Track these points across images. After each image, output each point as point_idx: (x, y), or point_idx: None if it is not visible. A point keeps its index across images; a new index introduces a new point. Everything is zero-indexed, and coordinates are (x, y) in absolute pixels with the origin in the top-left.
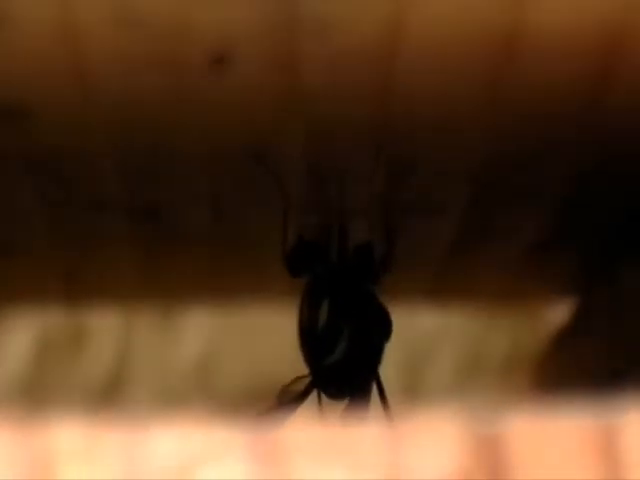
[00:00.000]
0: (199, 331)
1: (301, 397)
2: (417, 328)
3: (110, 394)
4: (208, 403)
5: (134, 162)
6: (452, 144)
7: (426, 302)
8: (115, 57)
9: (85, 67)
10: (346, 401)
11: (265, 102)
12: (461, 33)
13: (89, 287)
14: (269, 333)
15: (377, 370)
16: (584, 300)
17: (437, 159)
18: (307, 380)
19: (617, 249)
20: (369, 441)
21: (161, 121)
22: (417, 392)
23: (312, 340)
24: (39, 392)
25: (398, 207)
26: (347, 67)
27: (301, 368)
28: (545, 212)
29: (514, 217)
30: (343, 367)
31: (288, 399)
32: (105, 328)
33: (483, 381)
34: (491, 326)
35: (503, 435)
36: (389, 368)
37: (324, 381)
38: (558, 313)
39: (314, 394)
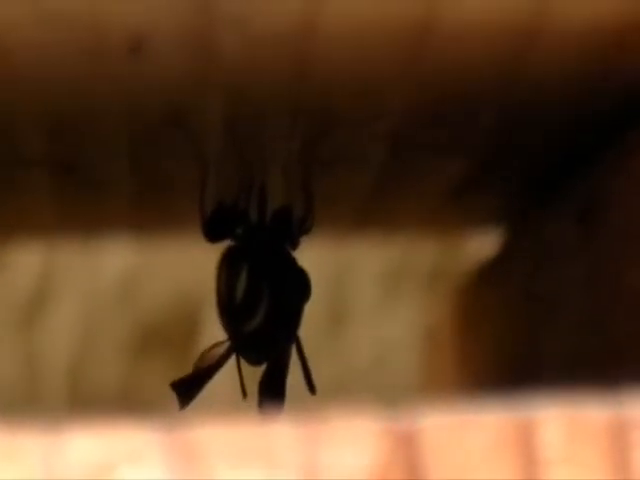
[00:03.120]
0: (121, 261)
1: (220, 362)
2: (340, 259)
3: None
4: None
5: (54, 125)
6: (369, 107)
7: (347, 235)
8: (36, 46)
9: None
10: (264, 365)
11: (183, 80)
12: (378, 18)
13: (10, 228)
14: (187, 262)
15: (296, 333)
16: (508, 241)
17: (355, 121)
18: (226, 345)
19: (538, 197)
20: (285, 440)
21: (79, 94)
22: (341, 322)
23: (231, 307)
24: None
25: (317, 164)
26: (265, 47)
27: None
28: (466, 161)
29: (434, 165)
30: (262, 332)
31: (207, 364)
32: (28, 263)
33: (404, 309)
34: (413, 253)
35: (420, 432)
36: (313, 299)
37: (243, 346)
38: (484, 246)
39: (233, 359)
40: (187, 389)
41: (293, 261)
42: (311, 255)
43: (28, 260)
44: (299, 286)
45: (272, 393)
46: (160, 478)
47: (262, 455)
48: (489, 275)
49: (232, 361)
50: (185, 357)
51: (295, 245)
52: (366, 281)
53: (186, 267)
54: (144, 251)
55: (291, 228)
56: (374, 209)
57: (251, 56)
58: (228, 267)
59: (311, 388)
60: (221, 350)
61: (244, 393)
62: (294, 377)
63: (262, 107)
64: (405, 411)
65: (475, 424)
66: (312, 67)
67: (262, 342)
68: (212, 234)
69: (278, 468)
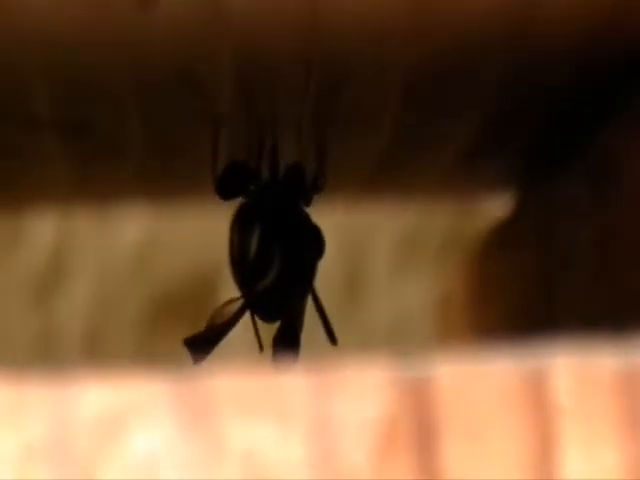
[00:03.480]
0: (136, 230)
1: (234, 319)
2: (353, 225)
3: (49, 289)
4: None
5: (63, 85)
6: (383, 58)
7: (361, 201)
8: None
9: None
10: (279, 322)
11: (191, 31)
12: None
13: (24, 199)
14: (202, 230)
15: (312, 287)
16: (520, 203)
17: (367, 75)
18: (240, 302)
19: (550, 159)
20: (296, 390)
21: (88, 50)
22: (356, 289)
23: (244, 264)
24: None
25: (330, 121)
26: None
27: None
28: (479, 119)
29: (447, 124)
30: (275, 289)
31: (221, 320)
32: (42, 234)
33: (419, 274)
34: (427, 218)
35: (430, 382)
36: (331, 260)
37: (257, 304)
38: (496, 209)
39: (248, 315)
40: (201, 346)
41: (306, 217)
42: (325, 221)
43: (43, 231)
44: (312, 242)
45: (286, 350)
46: (170, 429)
47: (273, 406)
48: (502, 238)
49: (246, 318)
50: (202, 327)
51: (308, 202)
52: (380, 247)
53: (202, 233)
54: (159, 218)
55: (303, 185)
56: (387, 172)
57: (261, 9)
58: (241, 224)
59: (332, 339)
60: (235, 307)
61: (261, 347)
62: (311, 334)
63: (273, 61)
64: (416, 361)
65: (485, 373)
66: (322, 19)
67: (275, 299)
68: (225, 192)
69: (289, 419)
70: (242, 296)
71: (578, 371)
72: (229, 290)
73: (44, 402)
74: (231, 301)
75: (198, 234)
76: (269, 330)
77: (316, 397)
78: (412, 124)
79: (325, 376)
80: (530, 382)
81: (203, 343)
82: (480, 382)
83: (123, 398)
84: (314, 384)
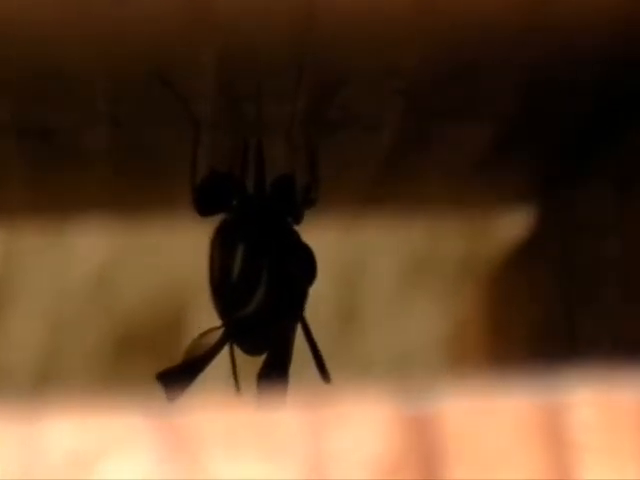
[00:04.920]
0: (97, 248)
1: (213, 351)
2: (350, 245)
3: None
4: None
5: (24, 82)
6: (381, 61)
7: (359, 217)
8: None
9: None
10: (264, 355)
11: (171, 29)
12: None
13: None
14: (175, 249)
15: (302, 317)
16: (538, 221)
17: (368, 73)
18: (220, 332)
19: (569, 169)
20: (288, 426)
21: (56, 46)
22: (353, 318)
23: (226, 288)
24: None
25: (323, 127)
26: None
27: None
28: (489, 129)
29: (455, 132)
30: (261, 318)
31: (198, 353)
32: None
33: (426, 301)
34: (435, 237)
35: (435, 417)
36: (324, 285)
37: (239, 333)
38: (513, 226)
39: (227, 347)
40: (176, 381)
41: (296, 236)
42: (318, 240)
43: None
44: (303, 264)
45: (272, 386)
46: (148, 470)
47: (262, 444)
48: (519, 258)
49: (226, 350)
50: (171, 359)
51: (298, 218)
52: (382, 270)
53: (175, 253)
54: (125, 234)
55: (293, 199)
56: (388, 185)
57: (249, 1)
58: (222, 243)
59: (324, 376)
60: (214, 338)
61: (237, 387)
62: (301, 369)
63: (261, 61)
64: (421, 395)
65: (497, 408)
66: (318, 17)
67: (260, 328)
68: (204, 206)
69: (280, 459)
70: (223, 325)
71: (600, 404)
72: (204, 319)
73: (14, 438)
74: (210, 331)
75: (170, 254)
76: (254, 363)
77: (311, 434)
78: (413, 132)
79: (320, 411)
80: (547, 417)
81: (179, 378)
82: (491, 417)
83: (96, 435)
84: (308, 420)
